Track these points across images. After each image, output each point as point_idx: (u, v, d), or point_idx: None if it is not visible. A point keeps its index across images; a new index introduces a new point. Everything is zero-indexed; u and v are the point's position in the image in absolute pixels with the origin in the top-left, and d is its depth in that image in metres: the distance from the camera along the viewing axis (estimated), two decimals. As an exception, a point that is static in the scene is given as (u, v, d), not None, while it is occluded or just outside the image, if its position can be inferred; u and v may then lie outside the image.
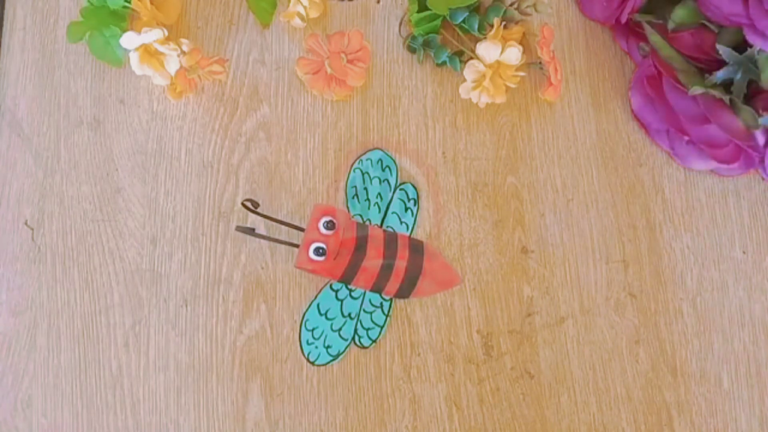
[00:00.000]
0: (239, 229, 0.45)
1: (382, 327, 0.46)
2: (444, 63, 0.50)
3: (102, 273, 0.47)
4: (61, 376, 0.45)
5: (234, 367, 0.45)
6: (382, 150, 0.49)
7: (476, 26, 0.49)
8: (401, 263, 0.46)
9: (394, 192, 0.48)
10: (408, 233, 0.47)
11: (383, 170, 0.48)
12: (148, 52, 0.47)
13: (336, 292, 0.46)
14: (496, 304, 0.47)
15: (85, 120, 0.50)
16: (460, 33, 0.50)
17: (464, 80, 0.47)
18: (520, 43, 0.47)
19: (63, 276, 0.47)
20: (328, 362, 0.45)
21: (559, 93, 0.50)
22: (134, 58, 0.46)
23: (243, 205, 0.46)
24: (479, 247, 0.47)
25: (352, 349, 0.45)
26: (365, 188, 0.48)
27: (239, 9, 0.52)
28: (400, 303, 0.46)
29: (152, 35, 0.45)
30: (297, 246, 0.45)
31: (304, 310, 0.46)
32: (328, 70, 0.47)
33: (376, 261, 0.45)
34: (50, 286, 0.46)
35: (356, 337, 0.45)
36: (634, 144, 0.50)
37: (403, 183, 0.49)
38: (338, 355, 0.45)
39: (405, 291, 0.46)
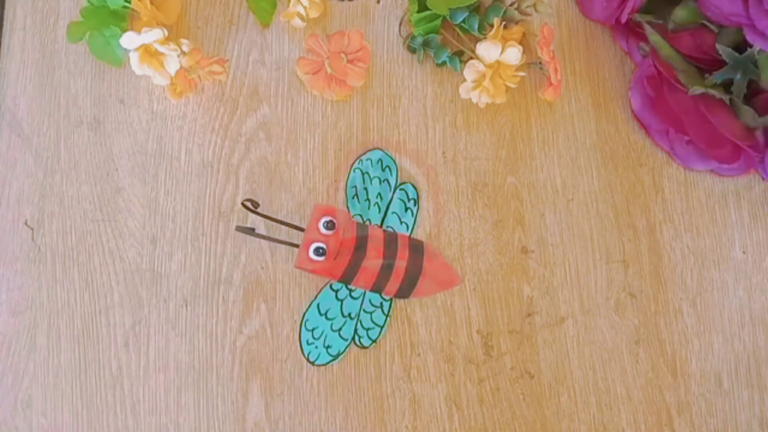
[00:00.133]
0: (239, 229, 0.45)
1: (382, 327, 0.46)
2: (444, 63, 0.50)
3: (102, 273, 0.47)
4: (61, 376, 0.45)
5: (234, 367, 0.45)
6: (382, 150, 0.49)
7: (476, 26, 0.49)
8: (401, 263, 0.46)
9: (394, 192, 0.48)
10: (408, 233, 0.47)
11: (383, 170, 0.48)
12: (148, 52, 0.47)
13: (336, 292, 0.46)
14: (496, 304, 0.47)
15: (85, 120, 0.50)
16: (460, 33, 0.50)
17: (464, 80, 0.47)
18: (520, 43, 0.47)
19: (63, 276, 0.47)
20: (328, 362, 0.45)
21: (559, 93, 0.50)
22: (134, 58, 0.46)
23: (243, 205, 0.46)
24: (479, 247, 0.48)
25: (352, 349, 0.45)
26: (365, 188, 0.48)
27: (239, 9, 0.52)
28: (400, 303, 0.46)
29: (152, 35, 0.45)
30: (297, 246, 0.45)
31: (304, 310, 0.46)
32: (328, 70, 0.47)
33: (376, 261, 0.45)
34: (50, 286, 0.46)
35: (356, 337, 0.45)
36: (634, 144, 0.50)
37: (403, 183, 0.49)
38: (338, 355, 0.45)
39: (405, 291, 0.46)
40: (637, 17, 0.49)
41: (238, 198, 0.48)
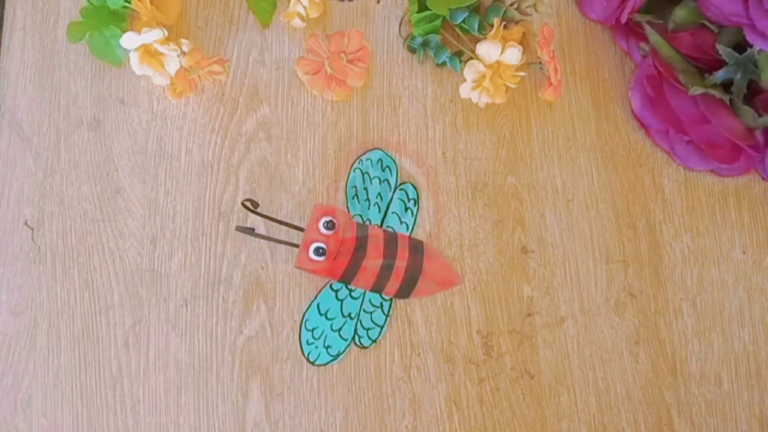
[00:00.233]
0: (239, 229, 0.45)
1: (382, 327, 0.46)
2: (444, 63, 0.50)
3: (102, 273, 0.47)
4: (61, 376, 0.45)
5: (234, 367, 0.45)
6: (382, 150, 0.49)
7: (476, 26, 0.49)
8: (401, 263, 0.46)
9: (394, 192, 0.48)
10: (408, 233, 0.47)
11: (383, 170, 0.48)
12: (148, 52, 0.47)
13: (336, 292, 0.46)
14: (496, 304, 0.47)
15: (85, 120, 0.50)
16: (460, 33, 0.50)
17: (464, 80, 0.47)
18: (520, 43, 0.47)
19: (63, 276, 0.47)
20: (328, 362, 0.45)
21: (559, 93, 0.50)
22: (134, 58, 0.46)
23: (243, 205, 0.46)
24: (479, 247, 0.48)
25: (352, 349, 0.45)
26: (365, 188, 0.48)
27: (239, 9, 0.52)
28: (400, 303, 0.46)
29: (152, 35, 0.45)
30: (297, 246, 0.45)
31: (304, 310, 0.46)
32: (328, 70, 0.47)
33: (376, 261, 0.45)
34: (50, 286, 0.46)
35: (356, 337, 0.45)
36: (634, 144, 0.50)
37: (403, 183, 0.49)
38: (338, 355, 0.45)
39: (405, 291, 0.46)
40: (637, 17, 0.49)
41: (238, 198, 0.48)
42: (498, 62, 0.46)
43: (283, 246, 0.47)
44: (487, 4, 0.51)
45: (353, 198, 0.48)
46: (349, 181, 0.48)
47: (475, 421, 0.45)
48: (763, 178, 0.49)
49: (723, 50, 0.46)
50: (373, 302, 0.46)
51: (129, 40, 0.46)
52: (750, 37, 0.45)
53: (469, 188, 0.49)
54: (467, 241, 0.48)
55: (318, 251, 0.43)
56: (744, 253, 0.48)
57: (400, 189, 0.48)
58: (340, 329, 0.45)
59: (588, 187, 0.49)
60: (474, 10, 0.50)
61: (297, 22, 0.50)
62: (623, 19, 0.49)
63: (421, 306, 0.46)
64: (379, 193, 0.48)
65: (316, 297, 0.46)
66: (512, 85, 0.48)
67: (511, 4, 0.50)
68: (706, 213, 0.49)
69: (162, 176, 0.48)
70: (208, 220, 0.48)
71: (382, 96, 0.51)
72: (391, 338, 0.46)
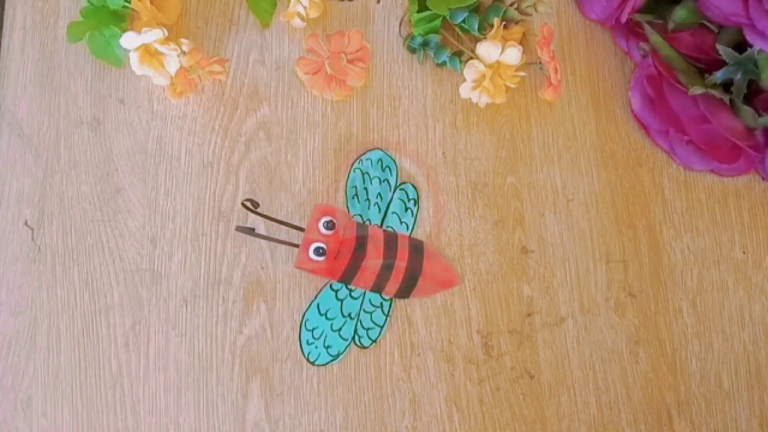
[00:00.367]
0: (239, 229, 0.45)
1: (382, 327, 0.46)
2: (444, 63, 0.50)
3: (102, 273, 0.47)
4: (61, 376, 0.45)
5: (234, 367, 0.45)
6: (382, 150, 0.49)
7: (476, 26, 0.49)
8: (401, 263, 0.46)
9: (394, 192, 0.48)
10: (408, 233, 0.47)
11: (383, 170, 0.48)
12: (148, 52, 0.47)
13: (336, 292, 0.46)
14: (496, 304, 0.47)
15: (85, 120, 0.50)
16: (460, 33, 0.50)
17: (464, 80, 0.47)
18: (520, 43, 0.47)
19: (63, 276, 0.47)
20: (328, 362, 0.45)
21: (559, 93, 0.50)
22: (134, 58, 0.46)
23: (243, 205, 0.46)
24: (479, 247, 0.48)
25: (352, 349, 0.45)
26: (365, 188, 0.48)
27: (239, 9, 0.52)
28: (400, 303, 0.46)
29: (152, 35, 0.45)
30: (297, 246, 0.45)
31: (304, 310, 0.46)
32: (328, 70, 0.47)
33: (376, 261, 0.45)
34: (50, 286, 0.46)
35: (356, 337, 0.45)
36: (634, 144, 0.50)
37: (403, 183, 0.49)
38: (338, 355, 0.45)
39: (405, 291, 0.46)
40: (637, 17, 0.49)
41: (238, 198, 0.48)
42: (498, 62, 0.46)
43: (283, 246, 0.47)
44: (487, 4, 0.51)
45: (353, 198, 0.48)
46: (349, 181, 0.48)
47: (475, 421, 0.45)
48: (763, 178, 0.49)
49: (723, 50, 0.46)
50: (373, 302, 0.46)
51: (129, 40, 0.46)
52: (750, 37, 0.45)
53: (469, 188, 0.49)
54: (467, 241, 0.48)
55: (318, 251, 0.43)
56: (744, 253, 0.48)
57: (400, 189, 0.48)
58: (340, 329, 0.45)
59: (588, 187, 0.49)
60: (474, 10, 0.50)
61: (297, 22, 0.50)
62: (623, 19, 0.49)
63: (421, 306, 0.46)
64: (379, 193, 0.48)
65: (316, 297, 0.46)
66: (512, 85, 0.48)
67: (511, 4, 0.50)
68: (706, 213, 0.49)
69: (162, 176, 0.48)
70: (208, 220, 0.48)
71: (382, 96, 0.51)
72: (391, 338, 0.46)
